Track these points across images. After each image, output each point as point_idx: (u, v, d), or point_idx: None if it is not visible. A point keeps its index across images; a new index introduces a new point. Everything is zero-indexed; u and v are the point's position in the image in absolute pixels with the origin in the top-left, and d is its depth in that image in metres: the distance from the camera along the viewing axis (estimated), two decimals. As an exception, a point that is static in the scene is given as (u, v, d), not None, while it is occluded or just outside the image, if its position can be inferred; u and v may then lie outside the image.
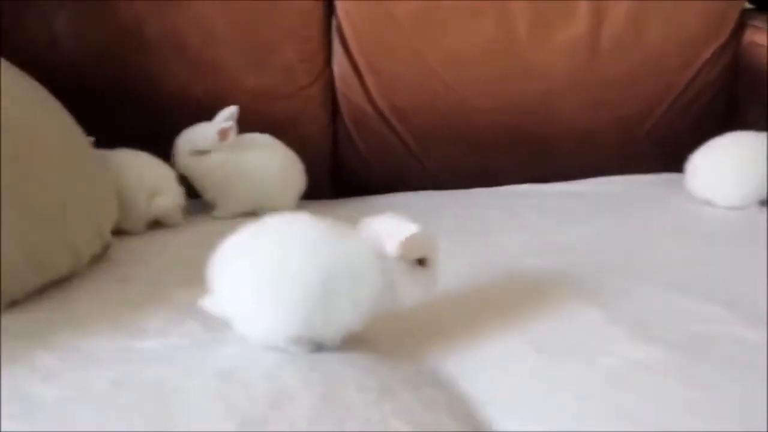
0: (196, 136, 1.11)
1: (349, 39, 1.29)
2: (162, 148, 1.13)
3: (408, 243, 0.68)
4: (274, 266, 0.66)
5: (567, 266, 0.96)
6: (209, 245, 0.71)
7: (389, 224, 0.70)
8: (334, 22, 1.29)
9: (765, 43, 1.45)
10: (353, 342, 0.72)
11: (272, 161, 1.15)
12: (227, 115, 1.11)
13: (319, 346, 0.70)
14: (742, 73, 1.49)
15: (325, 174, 1.36)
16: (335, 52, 1.30)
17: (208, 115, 1.18)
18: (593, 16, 1.38)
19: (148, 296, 0.83)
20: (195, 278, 0.72)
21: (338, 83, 1.31)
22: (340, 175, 1.37)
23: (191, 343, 0.72)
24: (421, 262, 0.71)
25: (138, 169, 1.07)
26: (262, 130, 1.25)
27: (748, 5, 1.66)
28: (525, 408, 0.66)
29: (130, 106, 1.16)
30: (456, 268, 0.87)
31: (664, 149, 1.47)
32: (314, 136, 1.31)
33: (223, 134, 1.10)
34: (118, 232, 1.00)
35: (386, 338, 0.76)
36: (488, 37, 1.33)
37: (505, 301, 0.86)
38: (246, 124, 1.23)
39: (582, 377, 0.70)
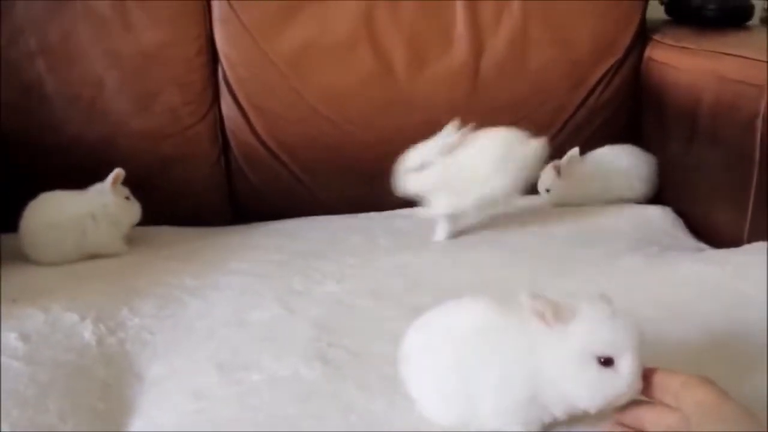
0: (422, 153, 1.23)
1: (232, 81, 1.40)
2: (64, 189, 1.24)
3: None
4: None
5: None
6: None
7: None
8: (219, 67, 1.41)
9: (661, 59, 1.42)
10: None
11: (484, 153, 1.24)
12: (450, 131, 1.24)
13: None
14: (643, 91, 1.47)
15: (225, 202, 1.47)
16: (222, 94, 1.42)
17: (100, 159, 1.34)
18: (472, 46, 1.42)
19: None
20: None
21: (227, 122, 1.43)
22: (238, 203, 1.48)
23: None
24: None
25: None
26: (152, 167, 1.40)
27: (665, 17, 1.63)
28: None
29: (35, 153, 1.33)
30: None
31: (560, 171, 1.47)
32: (205, 171, 1.43)
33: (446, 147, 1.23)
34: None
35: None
36: (364, 73, 1.41)
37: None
38: (136, 162, 1.38)
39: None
